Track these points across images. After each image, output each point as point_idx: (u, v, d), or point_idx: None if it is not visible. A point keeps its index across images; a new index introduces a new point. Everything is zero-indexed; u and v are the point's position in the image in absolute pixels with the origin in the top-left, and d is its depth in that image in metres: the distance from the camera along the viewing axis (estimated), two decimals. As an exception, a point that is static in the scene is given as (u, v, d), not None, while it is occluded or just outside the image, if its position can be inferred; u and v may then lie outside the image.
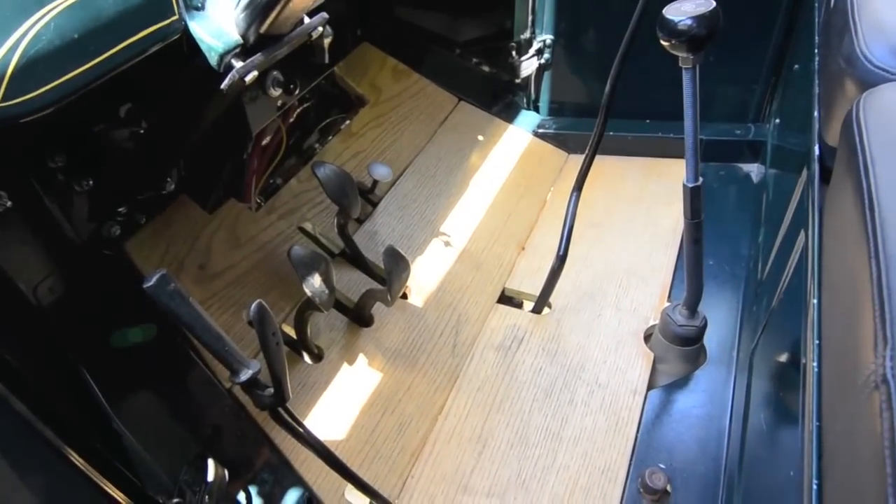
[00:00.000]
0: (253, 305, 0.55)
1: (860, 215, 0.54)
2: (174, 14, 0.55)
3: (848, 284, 0.53)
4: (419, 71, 1.50)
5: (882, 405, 0.40)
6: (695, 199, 0.88)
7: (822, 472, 0.49)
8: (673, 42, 0.72)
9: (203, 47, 0.59)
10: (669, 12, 0.72)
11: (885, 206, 0.53)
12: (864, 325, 0.46)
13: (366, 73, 1.43)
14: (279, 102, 0.88)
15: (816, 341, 0.58)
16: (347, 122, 1.33)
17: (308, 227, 1.16)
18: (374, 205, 1.24)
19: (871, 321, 0.45)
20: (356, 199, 1.09)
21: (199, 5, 0.58)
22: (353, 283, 1.12)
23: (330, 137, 1.30)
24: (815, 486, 0.48)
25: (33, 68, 0.46)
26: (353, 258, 1.15)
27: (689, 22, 0.70)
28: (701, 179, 0.86)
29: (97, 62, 0.50)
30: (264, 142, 1.08)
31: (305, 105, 1.24)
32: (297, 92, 0.90)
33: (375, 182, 1.21)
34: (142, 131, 0.90)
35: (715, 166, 1.48)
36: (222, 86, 0.60)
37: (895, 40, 0.74)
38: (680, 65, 0.75)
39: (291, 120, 1.17)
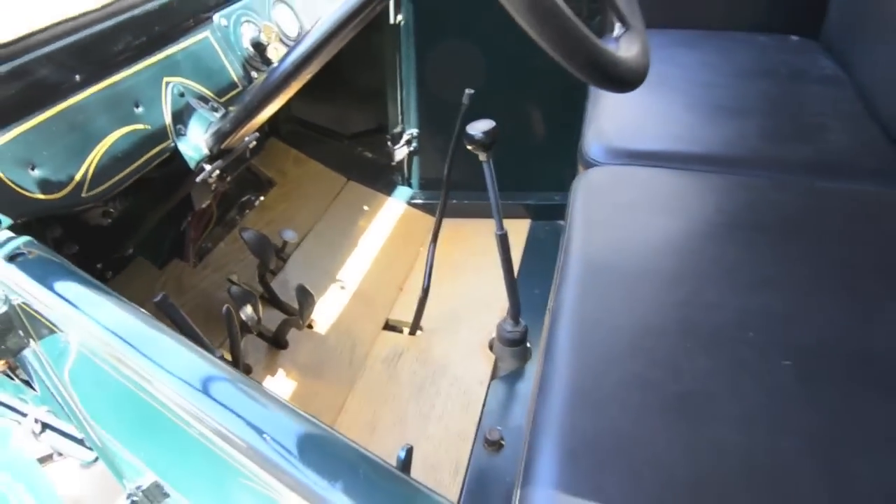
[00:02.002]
0: (224, 308, 0.91)
1: (564, 251, 1.00)
2: (170, 139, 0.93)
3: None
4: (315, 158, 1.92)
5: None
6: (503, 243, 1.34)
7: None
8: (473, 147, 1.19)
9: (186, 157, 0.96)
10: (469, 129, 1.19)
11: (574, 245, 0.99)
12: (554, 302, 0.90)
13: (274, 162, 1.82)
14: (213, 186, 1.26)
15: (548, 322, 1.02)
16: (261, 199, 1.71)
17: (234, 278, 1.51)
18: (285, 260, 1.62)
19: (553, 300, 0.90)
20: (272, 255, 1.46)
21: (184, 133, 0.96)
22: (271, 318, 1.48)
23: (247, 211, 1.67)
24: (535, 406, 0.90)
25: (101, 173, 0.82)
26: (271, 300, 1.51)
27: (480, 135, 1.17)
28: (506, 229, 1.33)
29: (130, 170, 0.87)
30: (200, 215, 1.45)
31: (228, 187, 1.61)
32: (227, 179, 1.28)
33: (285, 243, 1.59)
34: (112, 210, 1.25)
35: (542, 223, 1.99)
36: (197, 179, 0.98)
37: (604, 141, 1.25)
38: (480, 160, 1.22)
39: (219, 199, 1.55)
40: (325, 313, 1.56)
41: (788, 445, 0.63)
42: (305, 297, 1.32)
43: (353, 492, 0.46)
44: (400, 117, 1.95)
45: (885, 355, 0.74)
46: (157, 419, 0.65)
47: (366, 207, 1.91)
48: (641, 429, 0.65)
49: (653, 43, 1.66)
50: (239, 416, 0.55)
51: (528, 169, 1.98)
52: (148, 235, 1.38)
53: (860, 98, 1.35)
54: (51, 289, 0.67)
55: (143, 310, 0.69)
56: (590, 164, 1.21)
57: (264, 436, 0.52)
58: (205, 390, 0.59)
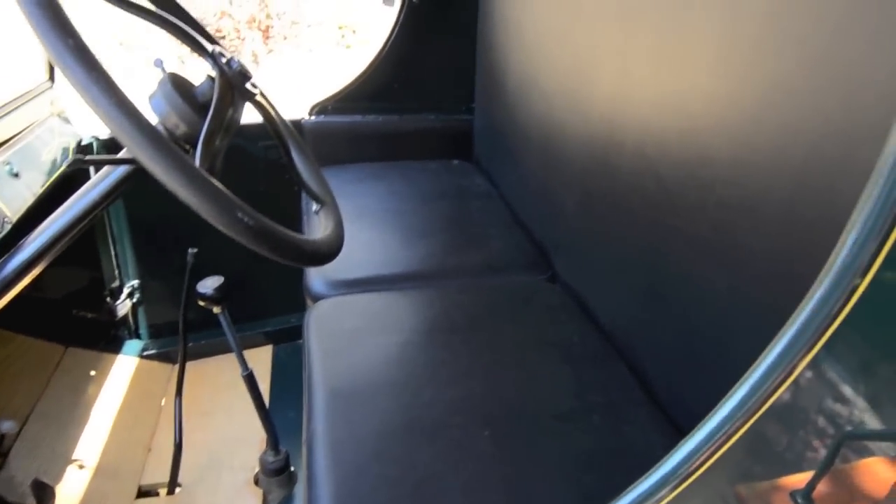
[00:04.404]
0: None
1: (308, 381, 1.15)
2: None
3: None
4: (22, 332, 1.77)
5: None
6: (251, 381, 1.43)
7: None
8: (205, 303, 1.29)
9: None
10: (200, 287, 1.29)
11: (315, 375, 1.15)
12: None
13: (-31, 347, 1.64)
14: None
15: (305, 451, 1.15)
16: (-39, 393, 1.52)
17: (-59, 494, 1.31)
18: (6, 455, 1.45)
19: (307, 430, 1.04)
20: (-12, 455, 1.32)
21: None
22: (-1, 527, 1.32)
23: (-57, 411, 1.47)
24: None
25: None
26: (-6, 506, 1.34)
27: (210, 291, 1.28)
28: (250, 368, 1.43)
29: None
30: None
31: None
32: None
33: (3, 435, 1.44)
34: None
35: (283, 346, 2.11)
36: None
37: (323, 276, 1.45)
38: (214, 312, 1.32)
39: None
40: (66, 501, 1.43)
41: (495, 496, 0.86)
42: (44, 492, 1.23)
43: None
44: (116, 272, 1.92)
45: (548, 407, 1.04)
46: None
47: (92, 372, 1.80)
48: (394, 520, 0.82)
49: (345, 178, 1.95)
50: None
51: (262, 301, 2.11)
52: None
53: (507, 208, 1.79)
54: None
55: None
56: (316, 298, 1.40)
57: None
58: None
